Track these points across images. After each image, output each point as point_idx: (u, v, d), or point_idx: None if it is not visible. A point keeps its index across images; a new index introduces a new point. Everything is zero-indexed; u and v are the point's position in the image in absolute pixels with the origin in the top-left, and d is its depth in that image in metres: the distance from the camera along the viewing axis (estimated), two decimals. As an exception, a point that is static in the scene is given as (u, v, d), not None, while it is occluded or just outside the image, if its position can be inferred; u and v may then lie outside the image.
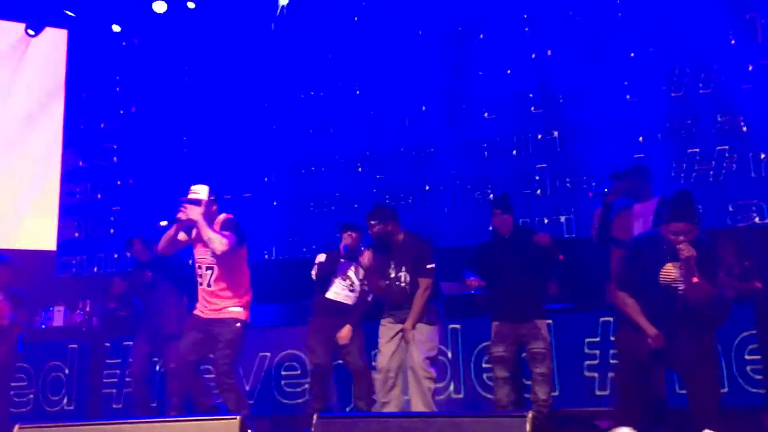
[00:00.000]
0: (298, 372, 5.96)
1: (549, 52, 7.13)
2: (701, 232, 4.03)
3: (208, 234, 4.40)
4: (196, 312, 4.64)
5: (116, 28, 8.30)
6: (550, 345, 4.84)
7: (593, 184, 6.56)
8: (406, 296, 4.68)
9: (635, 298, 4.04)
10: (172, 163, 7.96)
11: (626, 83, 6.76)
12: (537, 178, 6.96)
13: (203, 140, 8.03)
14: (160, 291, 5.83)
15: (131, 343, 6.09)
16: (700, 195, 5.09)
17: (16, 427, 2.52)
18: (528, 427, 2.12)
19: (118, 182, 8.38)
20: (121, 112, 8.47)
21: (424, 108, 7.47)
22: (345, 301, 5.28)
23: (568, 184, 6.89)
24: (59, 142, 8.33)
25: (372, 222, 4.72)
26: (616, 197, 4.73)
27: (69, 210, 8.36)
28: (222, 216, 4.69)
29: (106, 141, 8.48)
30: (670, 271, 3.98)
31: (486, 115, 7.26)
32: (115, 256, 8.08)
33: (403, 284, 4.70)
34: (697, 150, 6.41)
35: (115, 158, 8.45)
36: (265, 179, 7.86)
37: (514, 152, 7.14)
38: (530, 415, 2.14)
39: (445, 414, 2.41)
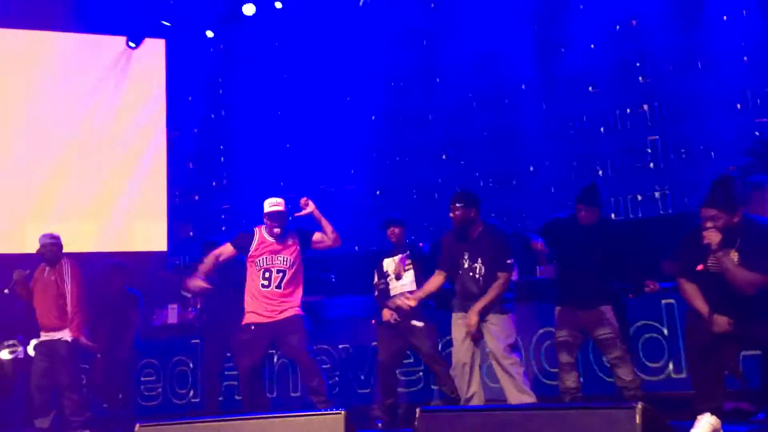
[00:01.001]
0: (411, 360, 5.99)
1: (634, 22, 6.83)
2: (756, 218, 3.96)
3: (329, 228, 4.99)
4: (256, 321, 4.91)
5: (210, 33, 8.60)
6: (618, 329, 4.67)
7: (711, 154, 6.25)
8: (479, 288, 4.62)
9: (695, 282, 3.96)
10: (273, 159, 8.21)
11: (743, 44, 6.35)
12: (649, 150, 6.65)
13: (299, 135, 8.24)
14: (223, 295, 5.98)
15: None
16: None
17: (137, 425, 2.66)
18: (638, 418, 2.04)
19: (224, 181, 8.71)
20: (223, 113, 8.79)
21: (523, 87, 7.31)
22: (407, 290, 5.27)
23: (683, 156, 6.57)
24: (164, 146, 8.71)
25: (457, 204, 4.66)
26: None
27: (178, 211, 8.77)
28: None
29: (211, 142, 8.84)
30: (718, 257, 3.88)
31: (591, 89, 7.00)
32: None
33: (477, 276, 4.64)
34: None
35: (222, 158, 8.77)
36: (351, 171, 7.95)
37: (617, 125, 6.89)
38: (640, 406, 2.06)
39: (550, 406, 2.35)
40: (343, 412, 2.56)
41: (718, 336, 3.89)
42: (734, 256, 3.88)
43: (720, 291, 3.90)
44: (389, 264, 5.48)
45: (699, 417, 4.00)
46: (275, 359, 6.29)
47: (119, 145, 8.46)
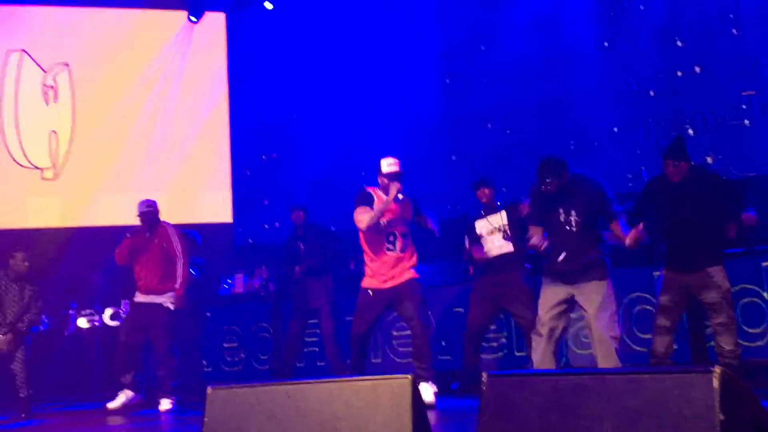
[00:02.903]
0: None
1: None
2: None
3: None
4: (376, 286, 4.84)
5: (269, 5, 8.63)
6: (728, 291, 4.35)
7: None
8: (577, 242, 4.28)
9: None
10: (334, 131, 8.26)
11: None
12: (744, 107, 6.32)
13: (356, 106, 8.24)
14: (307, 263, 6.10)
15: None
16: None
17: (209, 388, 2.72)
18: (716, 383, 1.95)
19: (288, 154, 8.76)
20: (284, 86, 8.83)
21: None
22: (507, 251, 5.22)
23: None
24: (227, 119, 8.83)
25: (547, 180, 4.31)
26: None
27: (242, 183, 8.91)
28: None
29: (272, 116, 8.91)
30: None
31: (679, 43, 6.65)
32: (277, 225, 8.52)
33: (574, 228, 4.32)
34: None
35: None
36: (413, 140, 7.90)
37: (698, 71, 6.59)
38: (718, 370, 1.97)
39: (621, 371, 2.29)
40: (410, 376, 2.56)
41: None
42: None
43: None
44: (482, 226, 5.36)
45: None
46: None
47: (183, 117, 8.62)
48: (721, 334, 4.36)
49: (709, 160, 6.32)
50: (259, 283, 7.74)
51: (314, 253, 6.14)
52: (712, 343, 4.53)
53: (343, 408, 2.57)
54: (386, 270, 4.84)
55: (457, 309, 6.03)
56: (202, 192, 8.67)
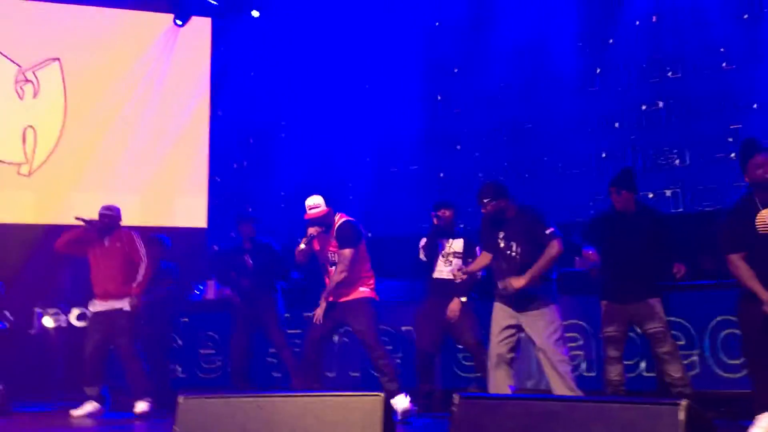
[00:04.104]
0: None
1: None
2: None
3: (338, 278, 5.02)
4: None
5: (255, 13, 8.64)
6: (667, 323, 4.58)
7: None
8: (517, 267, 4.44)
9: (747, 262, 3.81)
10: (318, 140, 8.28)
11: None
12: (730, 140, 6.45)
13: (338, 120, 8.28)
14: (255, 276, 6.12)
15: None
16: None
17: (180, 397, 2.72)
18: (682, 415, 2.02)
19: (270, 162, 8.73)
20: (268, 93, 8.83)
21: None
22: (449, 278, 5.27)
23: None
24: (207, 124, 8.80)
25: (484, 200, 4.53)
26: None
27: (218, 189, 8.87)
28: (338, 218, 5.14)
29: (253, 124, 8.90)
30: (764, 217, 3.79)
31: (670, 74, 6.84)
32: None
33: (513, 254, 4.49)
34: None
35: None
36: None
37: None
38: (684, 403, 2.04)
39: (592, 399, 2.35)
40: (381, 394, 2.59)
41: None
42: None
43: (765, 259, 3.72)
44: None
45: (758, 416, 3.86)
46: (335, 338, 6.30)
47: (163, 120, 8.58)
48: (669, 362, 4.52)
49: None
50: (230, 290, 7.69)
51: (262, 268, 6.14)
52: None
53: (314, 422, 2.58)
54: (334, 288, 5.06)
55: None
56: (178, 196, 8.61)
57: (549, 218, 4.55)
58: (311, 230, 5.05)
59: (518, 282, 4.39)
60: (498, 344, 4.50)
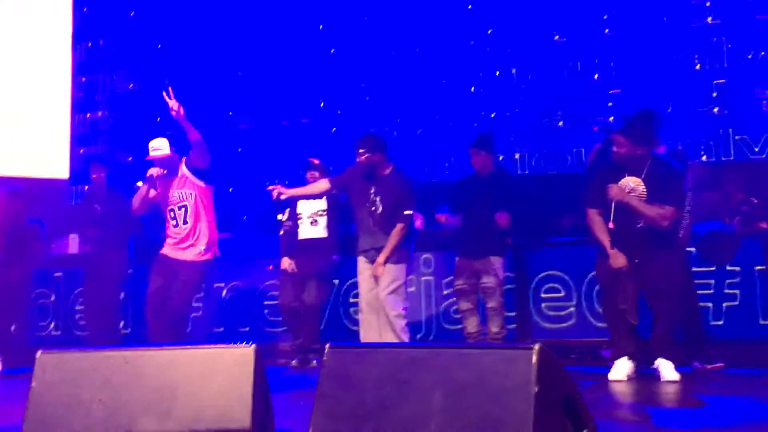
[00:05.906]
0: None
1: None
2: (665, 156, 4.23)
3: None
4: (164, 252, 4.96)
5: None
6: (502, 281, 4.95)
7: (611, 118, 6.49)
8: (375, 223, 4.78)
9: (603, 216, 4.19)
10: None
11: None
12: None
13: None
14: (105, 226, 5.93)
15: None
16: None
17: (39, 352, 2.60)
18: (534, 358, 2.17)
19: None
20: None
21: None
22: (317, 236, 5.46)
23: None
24: (69, 74, 8.27)
25: (360, 150, 4.78)
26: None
27: (81, 140, 8.39)
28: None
29: (120, 74, 8.43)
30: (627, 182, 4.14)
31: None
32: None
33: (375, 210, 4.80)
34: None
35: (131, 85, 8.37)
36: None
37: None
38: (537, 347, 2.18)
39: (453, 345, 2.47)
40: (254, 345, 2.60)
41: (622, 273, 4.06)
42: (638, 185, 4.06)
43: (624, 227, 4.07)
44: (304, 206, 5.50)
45: (615, 361, 4.23)
46: (223, 293, 6.21)
47: (22, 71, 7.97)
48: (491, 318, 4.91)
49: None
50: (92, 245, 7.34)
51: (111, 218, 5.93)
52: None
53: (184, 375, 2.56)
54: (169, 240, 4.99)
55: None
56: (37, 144, 8.07)
57: (414, 191, 4.85)
58: (152, 170, 4.87)
59: (378, 270, 4.75)
60: (365, 293, 4.81)
